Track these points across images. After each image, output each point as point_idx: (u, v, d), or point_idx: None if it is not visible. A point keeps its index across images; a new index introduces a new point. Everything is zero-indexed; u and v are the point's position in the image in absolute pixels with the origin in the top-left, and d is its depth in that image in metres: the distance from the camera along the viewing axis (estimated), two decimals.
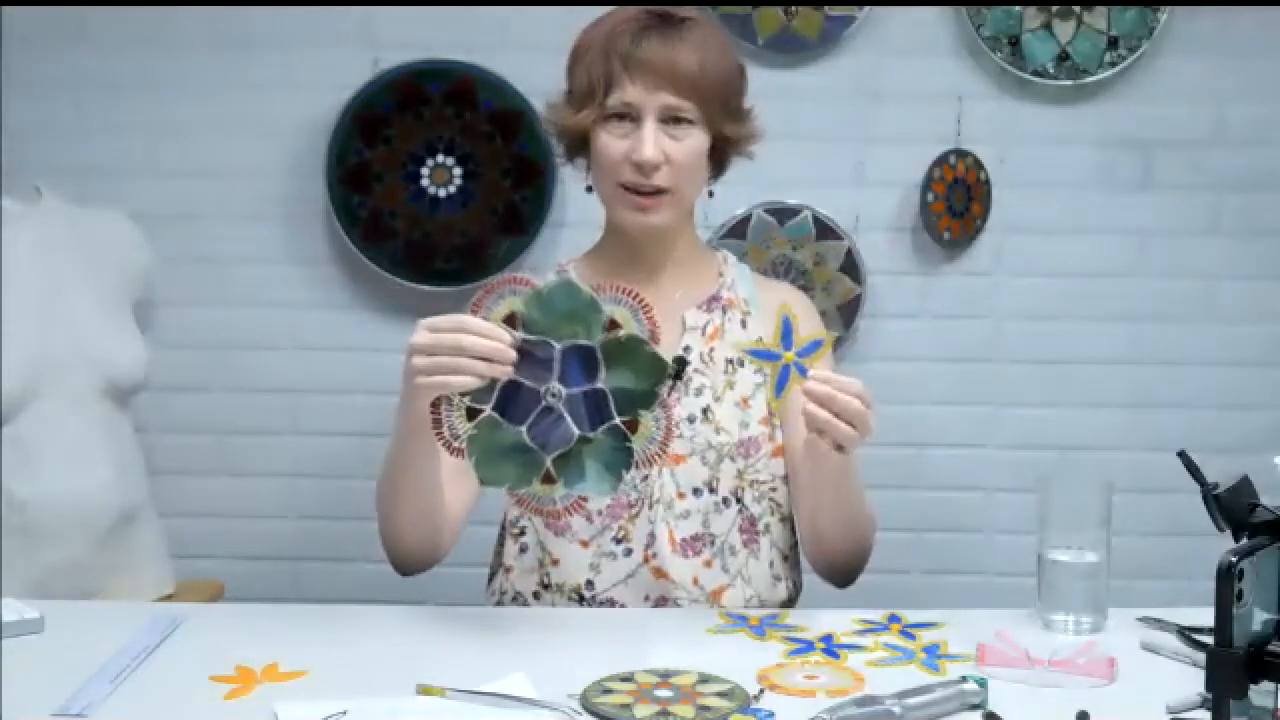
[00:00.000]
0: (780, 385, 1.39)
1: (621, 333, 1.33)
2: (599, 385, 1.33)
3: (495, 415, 1.32)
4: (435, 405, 1.33)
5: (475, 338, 1.29)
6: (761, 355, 1.41)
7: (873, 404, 1.37)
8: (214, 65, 2.51)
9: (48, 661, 1.31)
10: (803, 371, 1.37)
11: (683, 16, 1.57)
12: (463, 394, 1.32)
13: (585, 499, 1.41)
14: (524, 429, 1.33)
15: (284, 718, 1.15)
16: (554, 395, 1.32)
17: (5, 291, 1.98)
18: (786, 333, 1.38)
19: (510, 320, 1.32)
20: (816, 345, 1.38)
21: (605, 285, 1.35)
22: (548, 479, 1.34)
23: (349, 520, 2.49)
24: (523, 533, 1.60)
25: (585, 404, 1.33)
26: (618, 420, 1.34)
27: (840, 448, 1.38)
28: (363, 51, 2.48)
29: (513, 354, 1.31)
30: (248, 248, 2.54)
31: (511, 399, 1.32)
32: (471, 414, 1.33)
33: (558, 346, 1.32)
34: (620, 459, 1.35)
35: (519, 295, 1.32)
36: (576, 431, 1.33)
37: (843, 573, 1.62)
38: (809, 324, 1.68)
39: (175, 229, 2.48)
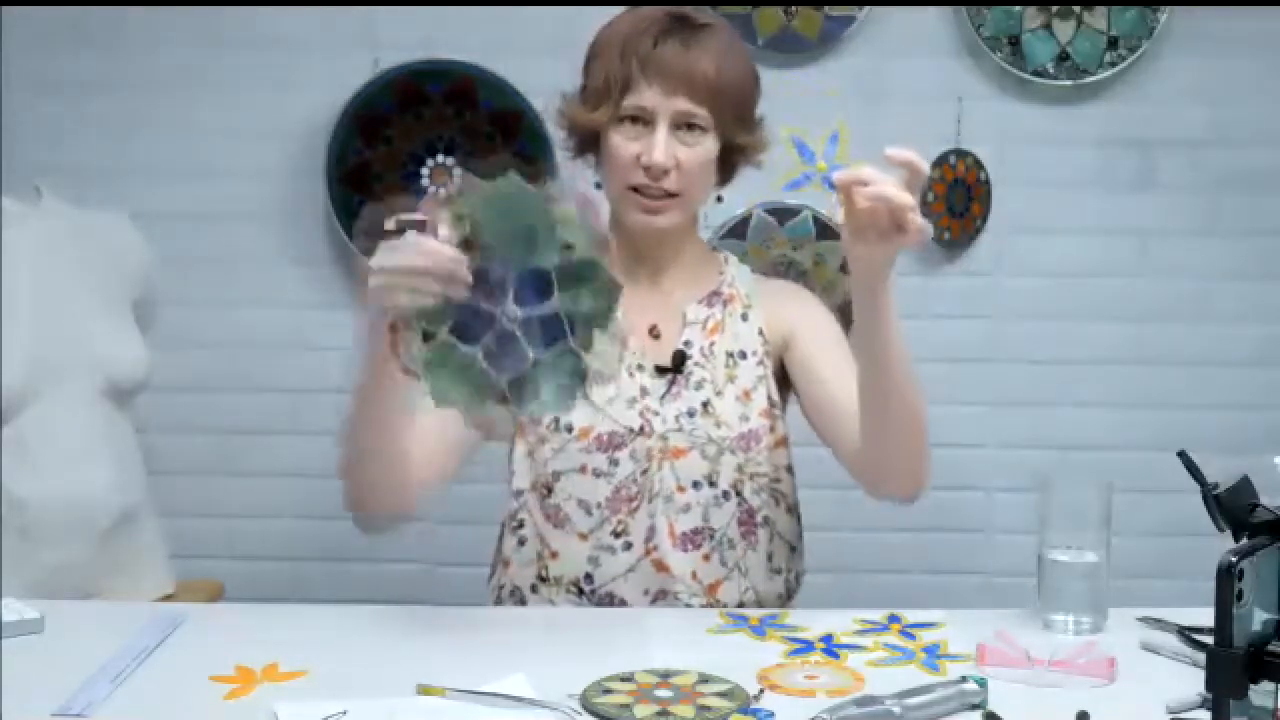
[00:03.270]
0: (798, 184, 1.34)
1: (576, 254, 1.31)
2: (554, 306, 1.32)
3: (450, 338, 1.31)
4: (394, 327, 1.31)
5: (431, 258, 1.28)
6: (796, 184, 1.37)
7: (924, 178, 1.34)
8: (214, 65, 2.51)
9: (48, 661, 1.31)
10: (828, 183, 1.34)
11: (703, 21, 1.57)
12: (419, 317, 1.30)
13: (538, 421, 1.37)
14: (478, 351, 1.31)
15: (284, 718, 1.15)
16: (509, 318, 1.31)
17: (5, 291, 1.98)
18: (833, 141, 1.36)
19: (460, 224, 1.30)
20: (835, 139, 1.35)
21: (554, 184, 1.32)
22: (502, 400, 1.32)
23: (349, 520, 2.48)
24: (521, 525, 1.60)
25: (540, 325, 1.32)
26: (572, 342, 1.33)
27: (906, 231, 1.30)
28: (363, 51, 2.48)
29: (467, 275, 1.29)
30: (248, 248, 2.55)
31: (467, 320, 1.31)
32: (427, 336, 1.31)
33: (513, 267, 1.31)
34: (575, 380, 1.33)
35: (469, 198, 1.30)
36: (531, 354, 1.32)
37: (905, 486, 1.55)
38: (814, 314, 1.68)
39: (175, 229, 2.48)
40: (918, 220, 1.31)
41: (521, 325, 1.31)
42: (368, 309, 1.33)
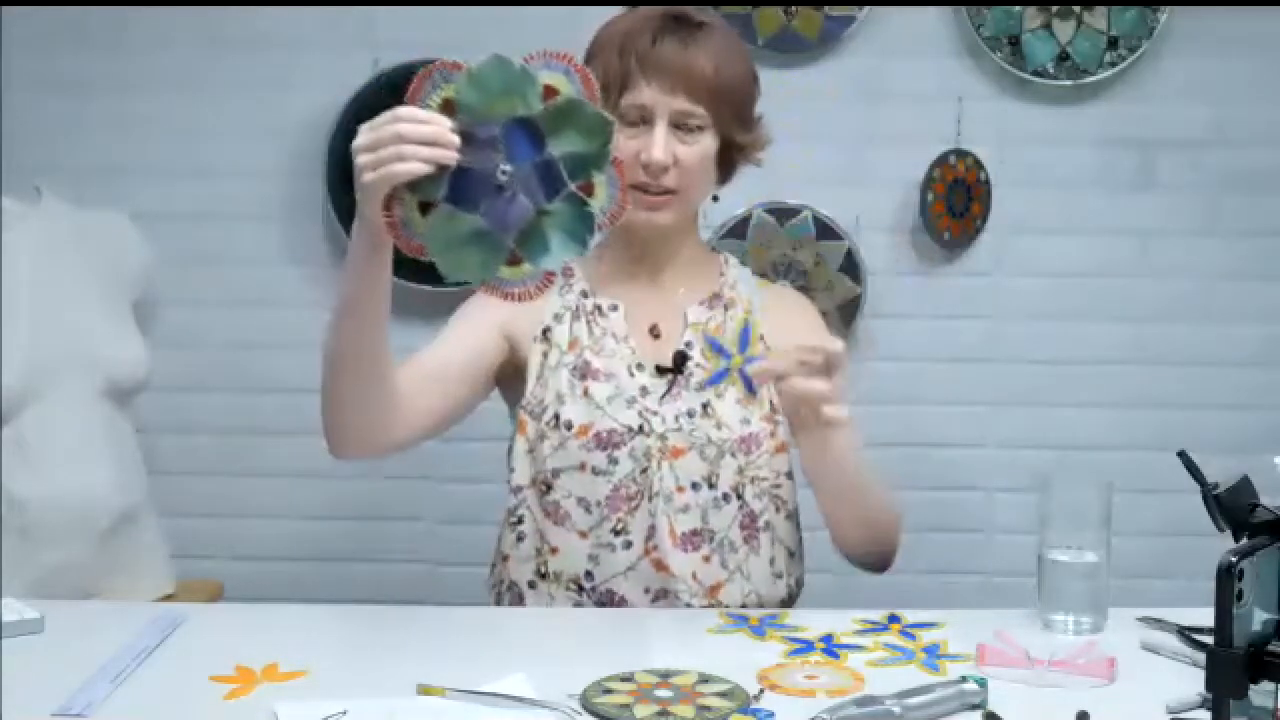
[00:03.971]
0: (748, 385, 1.38)
1: (559, 98, 1.30)
2: (547, 155, 1.30)
3: (449, 206, 1.29)
4: (389, 209, 1.30)
5: (413, 125, 1.27)
6: (717, 379, 1.41)
7: (848, 363, 1.37)
8: (214, 65, 2.51)
9: (48, 661, 1.31)
10: (745, 378, 1.38)
11: (701, 20, 1.57)
12: (412, 190, 1.28)
13: (553, 274, 1.34)
14: (480, 214, 1.29)
15: (284, 718, 1.15)
16: (505, 173, 1.29)
17: (5, 291, 1.98)
18: (744, 337, 1.39)
19: (448, 108, 1.29)
20: (746, 334, 1.41)
21: (534, 54, 1.31)
22: (513, 261, 1.31)
23: (349, 520, 2.49)
24: (520, 521, 1.60)
25: (537, 176, 1.30)
26: (572, 186, 1.31)
27: (825, 423, 1.37)
28: (363, 51, 2.48)
29: (454, 137, 1.27)
30: (248, 248, 2.55)
31: (463, 187, 1.29)
32: (425, 209, 1.29)
33: (499, 125, 1.29)
34: (583, 224, 1.31)
35: (452, 81, 1.29)
36: (533, 206, 1.30)
37: (869, 560, 1.62)
38: (810, 324, 1.69)
39: (175, 229, 2.48)
40: (830, 413, 1.35)
41: (518, 178, 1.29)
42: (359, 194, 1.31)
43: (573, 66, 1.30)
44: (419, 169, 1.27)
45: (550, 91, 1.29)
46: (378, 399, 1.45)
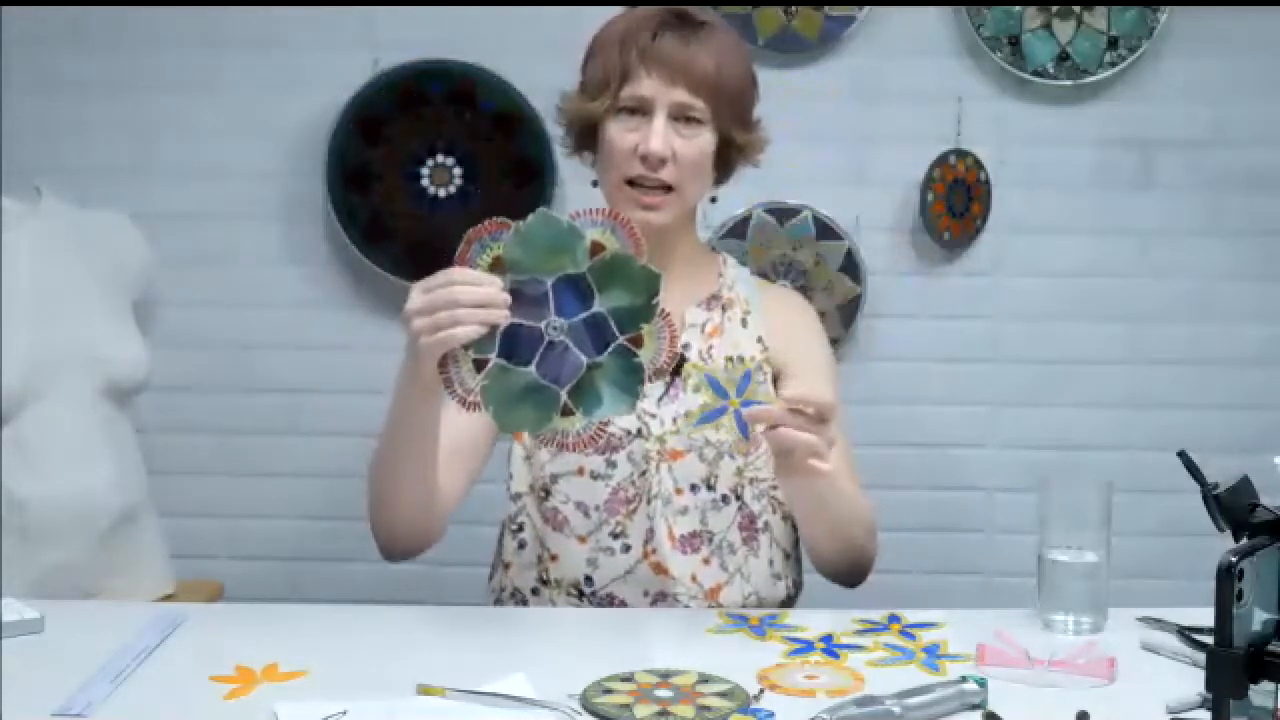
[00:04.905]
0: (743, 429, 1.40)
1: (607, 254, 1.33)
2: (596, 310, 1.33)
3: (502, 361, 1.33)
4: (443, 366, 1.33)
5: (466, 288, 1.29)
6: (710, 416, 1.42)
7: (833, 413, 1.37)
8: (214, 65, 2.51)
9: (48, 661, 1.31)
10: (739, 420, 1.40)
11: (703, 19, 1.58)
12: (466, 348, 1.32)
13: (607, 423, 1.41)
14: (533, 368, 1.33)
15: (284, 718, 1.15)
16: (555, 328, 1.33)
17: (5, 291, 1.98)
18: (714, 385, 1.40)
19: (497, 266, 1.32)
20: (746, 377, 1.40)
21: (579, 212, 1.34)
22: (566, 412, 1.34)
23: (349, 520, 2.47)
24: (520, 529, 1.60)
25: (587, 331, 1.33)
26: (622, 339, 1.34)
27: (809, 472, 1.37)
28: (363, 51, 2.48)
29: (505, 297, 1.31)
30: (248, 248, 2.55)
31: (515, 342, 1.32)
32: (479, 366, 1.33)
33: (548, 280, 1.32)
34: (632, 377, 1.35)
35: (500, 240, 1.32)
36: (584, 359, 1.33)
37: (845, 579, 1.62)
38: (812, 346, 1.69)
39: (175, 229, 2.48)
40: (815, 465, 1.36)
41: (569, 333, 1.33)
42: (410, 353, 1.34)
43: (618, 222, 1.34)
44: (475, 332, 1.30)
45: (597, 247, 1.33)
46: (429, 503, 1.50)
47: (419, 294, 1.32)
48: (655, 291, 1.34)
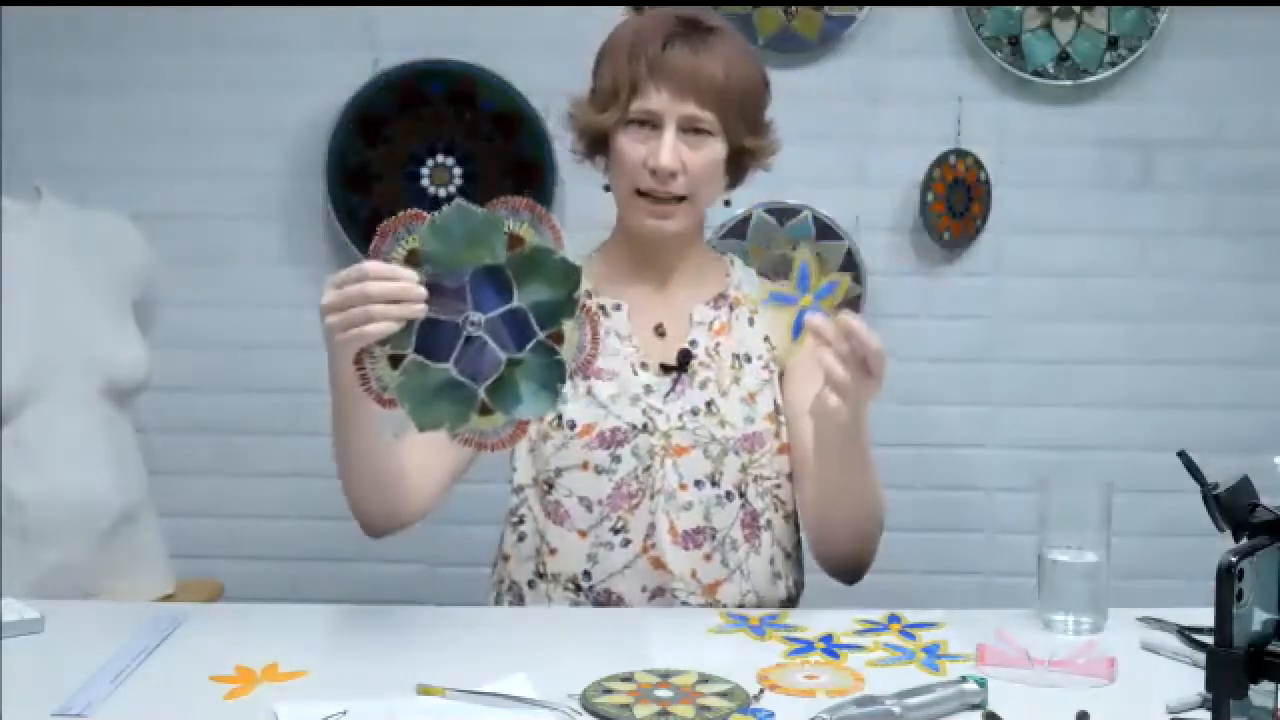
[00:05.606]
0: (797, 329, 1.35)
1: (526, 246, 1.29)
2: (515, 304, 1.30)
3: (418, 357, 1.29)
4: (359, 362, 1.29)
5: (380, 283, 1.26)
6: (780, 299, 1.38)
7: (881, 366, 1.36)
8: (214, 65, 2.51)
9: (48, 661, 1.31)
10: (798, 321, 1.36)
11: (711, 25, 1.57)
12: (382, 344, 1.28)
13: (526, 424, 1.35)
14: (450, 364, 1.29)
15: (284, 718, 1.15)
16: (473, 324, 1.28)
17: (5, 292, 1.98)
18: (803, 276, 1.36)
19: (413, 259, 1.28)
20: (832, 287, 1.36)
21: (497, 201, 1.30)
22: (485, 411, 1.30)
23: (349, 520, 2.46)
24: (521, 521, 1.60)
25: (506, 326, 1.29)
26: (541, 335, 1.30)
27: (849, 399, 1.36)
28: (363, 51, 2.48)
29: (421, 291, 1.27)
30: (248, 248, 2.55)
31: (432, 338, 1.28)
32: (395, 362, 1.29)
33: (466, 274, 1.28)
34: (553, 373, 1.31)
35: (416, 232, 1.28)
36: (503, 355, 1.29)
37: (847, 566, 1.59)
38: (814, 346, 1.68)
39: (175, 229, 2.48)
40: (832, 402, 1.36)
41: (487, 328, 1.29)
42: (328, 350, 1.32)
43: (537, 214, 1.30)
44: (388, 328, 1.26)
45: (516, 240, 1.29)
46: (389, 486, 1.50)
47: (332, 289, 1.28)
48: (576, 285, 1.30)
